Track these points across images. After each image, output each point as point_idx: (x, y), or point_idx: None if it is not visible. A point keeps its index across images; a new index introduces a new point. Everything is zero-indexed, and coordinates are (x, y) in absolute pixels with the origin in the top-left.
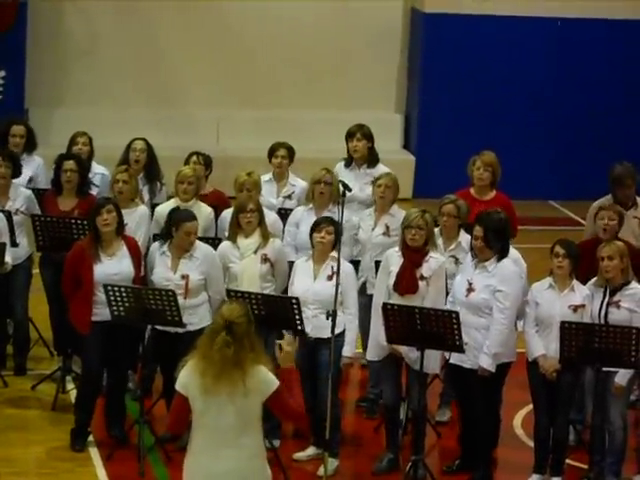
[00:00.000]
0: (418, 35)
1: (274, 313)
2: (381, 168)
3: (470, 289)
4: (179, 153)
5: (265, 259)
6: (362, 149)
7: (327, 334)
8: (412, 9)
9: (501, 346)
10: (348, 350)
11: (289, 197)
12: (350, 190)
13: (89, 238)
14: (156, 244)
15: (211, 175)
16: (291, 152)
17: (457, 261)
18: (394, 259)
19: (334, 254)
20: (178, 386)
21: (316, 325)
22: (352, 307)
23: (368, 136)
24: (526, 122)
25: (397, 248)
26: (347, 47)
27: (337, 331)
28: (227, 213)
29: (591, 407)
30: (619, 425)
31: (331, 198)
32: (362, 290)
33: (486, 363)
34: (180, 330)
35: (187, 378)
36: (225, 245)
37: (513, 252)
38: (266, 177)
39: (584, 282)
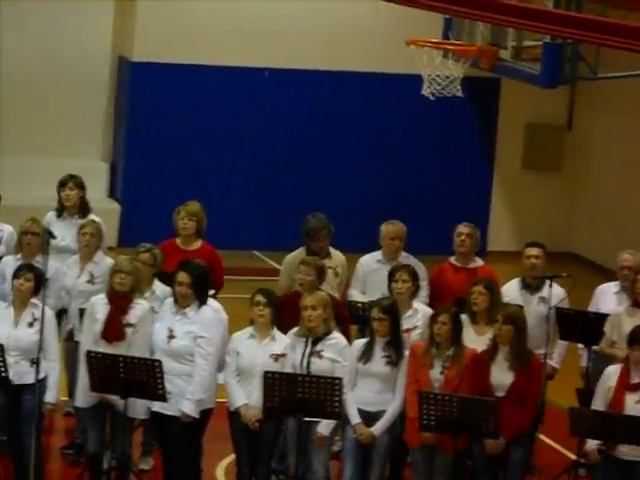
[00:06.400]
0: (125, 83)
1: None
2: (92, 218)
3: (171, 336)
4: None
5: None
6: (74, 198)
7: (30, 380)
8: (120, 57)
9: (205, 392)
10: (51, 396)
11: None
12: (54, 237)
13: None
14: None
15: None
16: None
17: (152, 309)
18: (100, 306)
19: (35, 300)
20: None
21: (18, 371)
22: (53, 353)
23: (80, 185)
24: (234, 172)
25: (102, 295)
26: (54, 94)
27: (39, 377)
28: None
29: (294, 457)
30: (322, 475)
31: (39, 248)
32: (70, 337)
33: (189, 409)
34: None
35: None
36: None
37: (214, 303)
38: None
39: (286, 333)
